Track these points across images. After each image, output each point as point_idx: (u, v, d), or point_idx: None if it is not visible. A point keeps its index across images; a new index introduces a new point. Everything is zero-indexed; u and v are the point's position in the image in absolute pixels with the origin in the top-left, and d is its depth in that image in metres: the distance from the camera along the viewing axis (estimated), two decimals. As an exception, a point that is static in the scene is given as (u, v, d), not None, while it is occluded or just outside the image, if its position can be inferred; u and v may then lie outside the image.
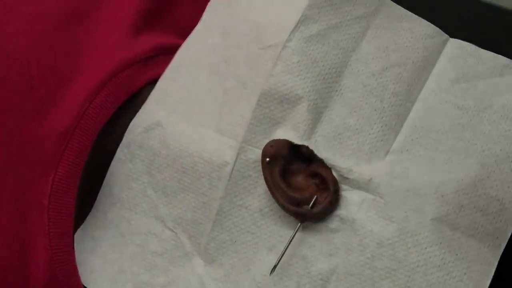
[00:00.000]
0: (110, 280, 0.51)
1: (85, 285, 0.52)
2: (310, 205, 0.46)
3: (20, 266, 0.48)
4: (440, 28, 0.50)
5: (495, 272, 0.44)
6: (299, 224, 0.46)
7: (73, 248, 0.51)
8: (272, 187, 0.46)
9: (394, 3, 0.50)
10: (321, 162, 0.47)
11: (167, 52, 0.54)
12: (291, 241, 0.46)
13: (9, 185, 0.49)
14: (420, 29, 0.49)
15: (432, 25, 0.49)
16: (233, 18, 0.52)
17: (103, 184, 0.52)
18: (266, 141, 0.48)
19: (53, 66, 0.51)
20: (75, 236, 0.52)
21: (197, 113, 0.50)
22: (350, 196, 0.46)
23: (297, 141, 0.47)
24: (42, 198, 0.49)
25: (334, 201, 0.46)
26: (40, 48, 0.51)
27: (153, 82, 0.53)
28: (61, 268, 0.50)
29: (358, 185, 0.46)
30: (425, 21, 0.50)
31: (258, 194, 0.48)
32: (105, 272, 0.52)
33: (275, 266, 0.46)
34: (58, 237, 0.50)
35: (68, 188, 0.50)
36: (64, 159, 0.50)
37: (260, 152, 0.48)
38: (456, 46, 0.49)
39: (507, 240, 0.44)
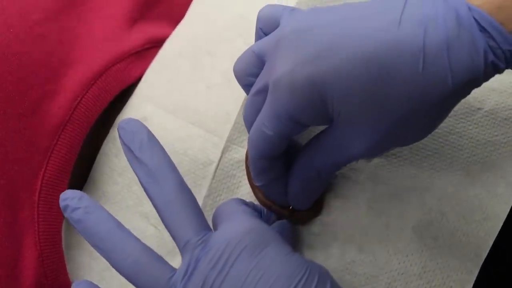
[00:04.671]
0: (97, 277, 0.51)
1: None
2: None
3: (10, 264, 0.48)
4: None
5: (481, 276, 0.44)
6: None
7: (62, 246, 0.51)
8: (255, 188, 0.46)
9: None
10: None
11: (161, 44, 0.54)
12: None
13: (1, 183, 0.48)
14: None
15: None
16: (217, 8, 0.51)
17: (88, 178, 0.52)
18: (251, 140, 0.47)
19: (46, 59, 0.50)
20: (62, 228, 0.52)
21: (181, 108, 0.50)
22: (333, 200, 0.45)
23: None
24: (32, 195, 0.49)
25: (316, 208, 0.45)
26: (32, 40, 0.50)
27: None
28: (49, 265, 0.50)
29: (341, 189, 0.45)
30: None
31: (241, 194, 0.47)
32: (92, 269, 0.52)
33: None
34: (47, 234, 0.49)
35: (59, 184, 0.50)
36: (55, 153, 0.49)
37: (244, 151, 0.47)
38: None
39: (488, 250, 0.43)
